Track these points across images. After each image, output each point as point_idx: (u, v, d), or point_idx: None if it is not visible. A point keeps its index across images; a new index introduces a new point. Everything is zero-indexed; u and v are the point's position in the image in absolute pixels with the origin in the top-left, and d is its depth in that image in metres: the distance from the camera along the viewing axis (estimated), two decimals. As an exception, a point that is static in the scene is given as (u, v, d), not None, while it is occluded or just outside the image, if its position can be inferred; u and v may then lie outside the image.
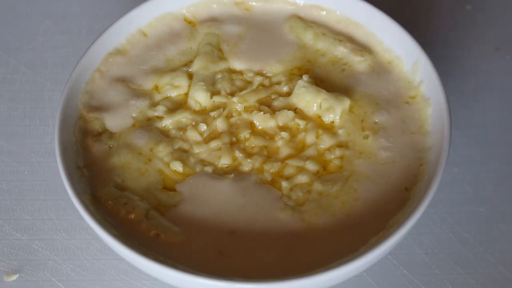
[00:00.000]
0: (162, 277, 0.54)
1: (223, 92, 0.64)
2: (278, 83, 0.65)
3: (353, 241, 0.55)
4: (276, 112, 0.62)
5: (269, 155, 0.61)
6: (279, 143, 0.61)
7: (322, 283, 0.53)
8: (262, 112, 0.62)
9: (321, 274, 0.51)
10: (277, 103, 0.63)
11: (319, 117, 0.62)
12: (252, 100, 0.63)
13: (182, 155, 0.60)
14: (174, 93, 0.64)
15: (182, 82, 0.65)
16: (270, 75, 0.66)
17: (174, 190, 0.59)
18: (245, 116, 0.63)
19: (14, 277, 0.62)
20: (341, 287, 0.62)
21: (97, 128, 0.62)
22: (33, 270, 0.62)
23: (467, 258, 0.64)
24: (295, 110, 0.63)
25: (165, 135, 0.62)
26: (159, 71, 0.66)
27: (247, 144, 0.61)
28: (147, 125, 0.62)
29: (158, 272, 0.53)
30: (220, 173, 0.59)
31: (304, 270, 0.53)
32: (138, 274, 0.62)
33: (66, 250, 0.63)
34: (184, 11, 0.70)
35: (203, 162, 0.60)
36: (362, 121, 0.62)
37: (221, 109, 0.63)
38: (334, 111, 0.62)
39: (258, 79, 0.65)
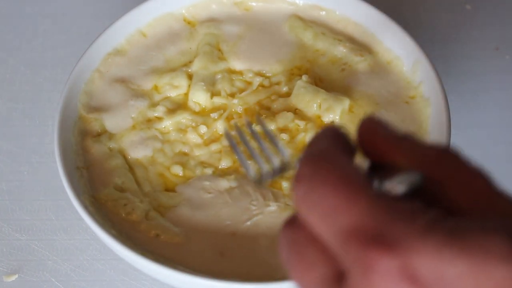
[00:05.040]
0: (162, 278, 0.54)
1: (223, 93, 0.64)
2: (278, 83, 0.65)
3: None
4: (276, 115, 0.62)
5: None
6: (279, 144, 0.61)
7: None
8: (262, 116, 0.62)
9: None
10: (276, 105, 0.63)
11: (319, 117, 0.62)
12: (252, 101, 0.63)
13: (183, 158, 0.60)
14: (173, 93, 0.64)
15: (181, 82, 0.65)
16: (270, 75, 0.66)
17: (174, 191, 0.59)
18: (245, 119, 0.63)
19: (14, 277, 0.62)
20: None
21: (96, 129, 0.62)
22: (32, 270, 0.62)
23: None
24: (295, 111, 0.63)
25: (165, 139, 0.61)
26: (158, 71, 0.66)
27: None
28: (147, 127, 0.62)
29: (158, 272, 0.53)
30: (220, 175, 0.59)
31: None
32: (138, 275, 0.62)
33: (66, 251, 0.63)
34: (183, 11, 0.70)
35: (203, 164, 0.60)
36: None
37: (221, 110, 0.63)
38: (333, 111, 0.62)
39: (258, 80, 0.65)
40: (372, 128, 0.35)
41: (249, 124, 0.55)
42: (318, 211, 0.31)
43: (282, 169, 0.49)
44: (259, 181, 0.52)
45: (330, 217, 0.31)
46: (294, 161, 0.43)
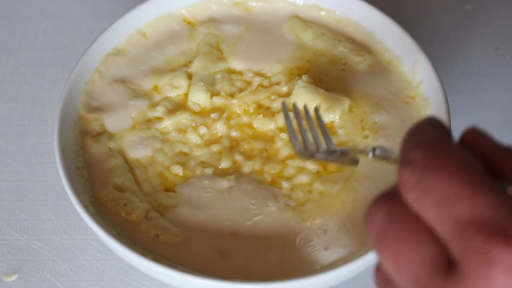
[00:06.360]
0: (162, 278, 0.54)
1: (222, 93, 0.64)
2: (278, 83, 0.65)
3: (353, 241, 0.55)
4: (276, 115, 0.62)
5: (269, 157, 0.61)
6: (279, 144, 0.61)
7: (322, 284, 0.52)
8: (261, 115, 0.62)
9: (321, 274, 0.51)
10: (276, 104, 0.63)
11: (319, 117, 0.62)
12: (251, 101, 0.63)
13: (182, 158, 0.60)
14: (173, 93, 0.64)
15: (181, 82, 0.65)
16: (270, 75, 0.66)
17: (174, 191, 0.59)
18: (244, 119, 0.63)
19: (14, 277, 0.62)
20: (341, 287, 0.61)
21: (96, 129, 0.62)
22: (32, 271, 0.62)
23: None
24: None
25: (165, 139, 0.61)
26: (158, 72, 0.66)
27: (246, 147, 0.61)
28: (147, 127, 0.62)
29: (158, 272, 0.52)
30: (220, 175, 0.59)
31: (305, 271, 0.53)
32: (138, 275, 0.62)
33: (66, 251, 0.63)
34: (183, 11, 0.70)
35: (203, 165, 0.60)
36: (361, 121, 0.62)
37: (221, 111, 0.63)
38: (333, 111, 0.62)
39: (257, 80, 0.65)
40: (478, 137, 0.35)
41: (306, 110, 0.57)
42: (433, 198, 0.31)
43: (329, 155, 0.52)
44: (304, 154, 0.54)
45: (447, 205, 0.30)
46: (366, 149, 0.43)
